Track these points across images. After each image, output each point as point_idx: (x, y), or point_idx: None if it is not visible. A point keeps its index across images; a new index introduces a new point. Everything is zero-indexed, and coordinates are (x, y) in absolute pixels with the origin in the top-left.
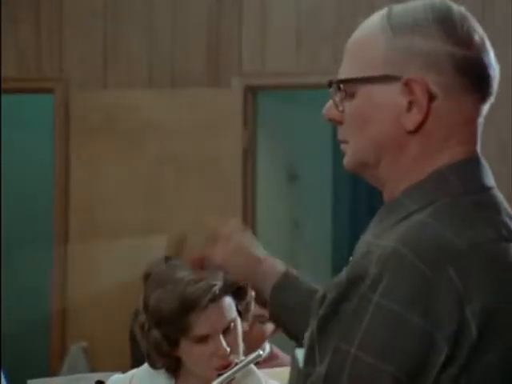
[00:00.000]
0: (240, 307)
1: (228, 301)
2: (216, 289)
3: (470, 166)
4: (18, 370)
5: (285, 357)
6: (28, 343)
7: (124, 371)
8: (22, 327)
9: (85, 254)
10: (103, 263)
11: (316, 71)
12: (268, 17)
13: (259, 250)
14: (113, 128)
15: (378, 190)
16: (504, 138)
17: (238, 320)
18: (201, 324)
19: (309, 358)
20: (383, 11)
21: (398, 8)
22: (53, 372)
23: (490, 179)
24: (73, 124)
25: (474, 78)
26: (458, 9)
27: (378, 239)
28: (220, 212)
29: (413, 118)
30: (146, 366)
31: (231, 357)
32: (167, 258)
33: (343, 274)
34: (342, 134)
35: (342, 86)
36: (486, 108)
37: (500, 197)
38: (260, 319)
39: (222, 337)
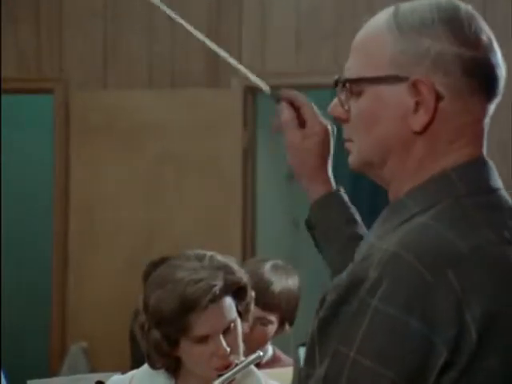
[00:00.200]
0: (240, 308)
1: (228, 301)
2: (216, 289)
3: (475, 167)
4: (18, 370)
5: (287, 359)
6: (28, 343)
7: (124, 371)
8: (22, 327)
9: (85, 254)
10: (103, 263)
11: (316, 71)
12: (268, 17)
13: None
14: (113, 128)
15: (378, 189)
16: (504, 138)
17: (238, 320)
18: (201, 324)
19: (309, 358)
20: (390, 9)
21: (405, 7)
22: (53, 372)
23: (495, 181)
24: (73, 124)
25: (482, 79)
26: (466, 8)
27: (380, 241)
28: (220, 212)
29: (419, 119)
30: (145, 366)
31: (231, 357)
32: (167, 258)
33: (344, 275)
34: (347, 132)
35: (348, 84)
36: (492, 108)
37: (506, 198)
38: (261, 321)
39: (222, 337)
